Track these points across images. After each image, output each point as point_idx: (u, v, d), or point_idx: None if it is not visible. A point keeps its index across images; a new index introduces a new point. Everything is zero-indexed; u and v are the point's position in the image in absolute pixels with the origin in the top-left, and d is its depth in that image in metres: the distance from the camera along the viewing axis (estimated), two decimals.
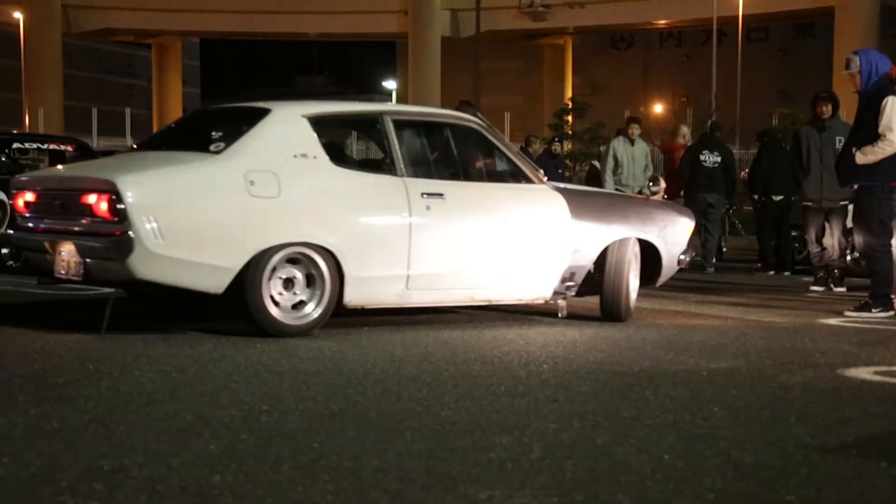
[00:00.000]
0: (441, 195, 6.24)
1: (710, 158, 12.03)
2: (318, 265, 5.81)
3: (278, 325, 5.74)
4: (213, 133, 6.41)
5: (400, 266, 6.08)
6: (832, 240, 9.55)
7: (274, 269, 5.71)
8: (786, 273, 11.71)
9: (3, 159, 10.74)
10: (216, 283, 5.62)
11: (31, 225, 6.16)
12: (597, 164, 15.67)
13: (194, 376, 4.50)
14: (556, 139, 17.32)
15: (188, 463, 3.09)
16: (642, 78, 54.09)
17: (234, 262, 5.59)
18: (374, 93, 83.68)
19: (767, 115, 26.64)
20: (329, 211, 5.90)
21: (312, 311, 5.84)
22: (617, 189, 11.44)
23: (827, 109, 9.56)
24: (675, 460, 3.25)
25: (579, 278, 6.80)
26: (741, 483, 3.03)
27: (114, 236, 5.42)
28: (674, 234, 7.25)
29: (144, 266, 5.44)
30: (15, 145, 11.35)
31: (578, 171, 24.55)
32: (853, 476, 3.14)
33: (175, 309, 6.72)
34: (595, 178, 14.07)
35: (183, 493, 2.80)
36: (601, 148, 16.16)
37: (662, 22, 48.33)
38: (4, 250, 8.74)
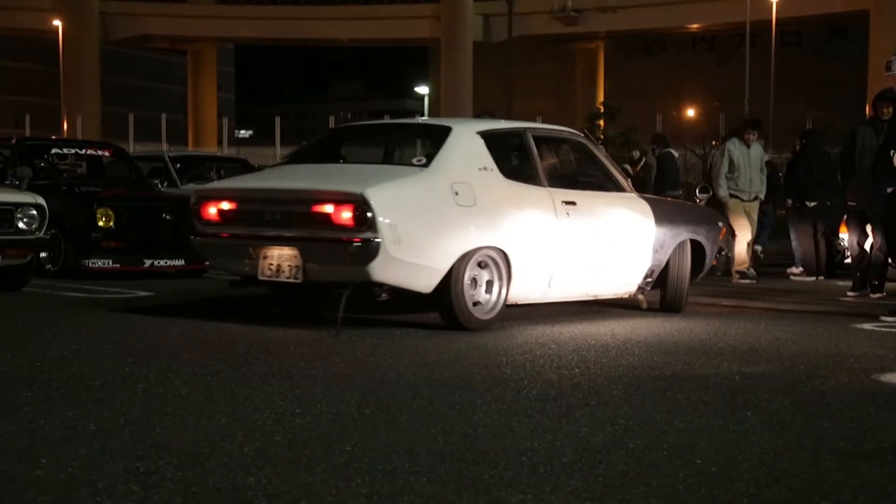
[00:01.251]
0: (574, 203, 7.04)
1: None
2: (498, 266, 6.54)
3: (473, 321, 6.40)
4: (398, 147, 7.49)
5: (547, 266, 6.86)
6: (876, 244, 9.38)
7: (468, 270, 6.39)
8: (820, 277, 11.61)
9: (43, 165, 10.88)
10: (428, 282, 6.25)
11: (225, 231, 6.61)
12: (628, 168, 15.56)
13: (228, 379, 4.54)
14: (600, 143, 17.28)
15: (222, 465, 3.12)
16: (675, 82, 53.81)
17: (445, 264, 6.25)
18: (407, 98, 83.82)
19: (802, 119, 26.43)
20: (506, 217, 6.61)
21: (493, 306, 6.57)
22: (732, 195, 10.99)
23: (888, 111, 9.21)
24: (707, 465, 3.24)
25: (656, 275, 7.67)
26: (774, 488, 3.02)
27: (356, 243, 5.94)
28: (714, 235, 8.17)
29: (383, 269, 6.04)
30: (53, 151, 11.49)
31: None
32: (889, 482, 3.11)
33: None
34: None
35: (217, 494, 2.83)
36: (633, 152, 16.02)
37: (695, 26, 48.15)
38: (43, 254, 8.87)
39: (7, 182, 9.87)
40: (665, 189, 12.74)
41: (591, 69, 52.34)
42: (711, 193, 11.33)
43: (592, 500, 2.86)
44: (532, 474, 3.09)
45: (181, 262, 10.04)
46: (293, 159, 7.57)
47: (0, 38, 65.46)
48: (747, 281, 10.95)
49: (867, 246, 9.46)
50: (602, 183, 7.59)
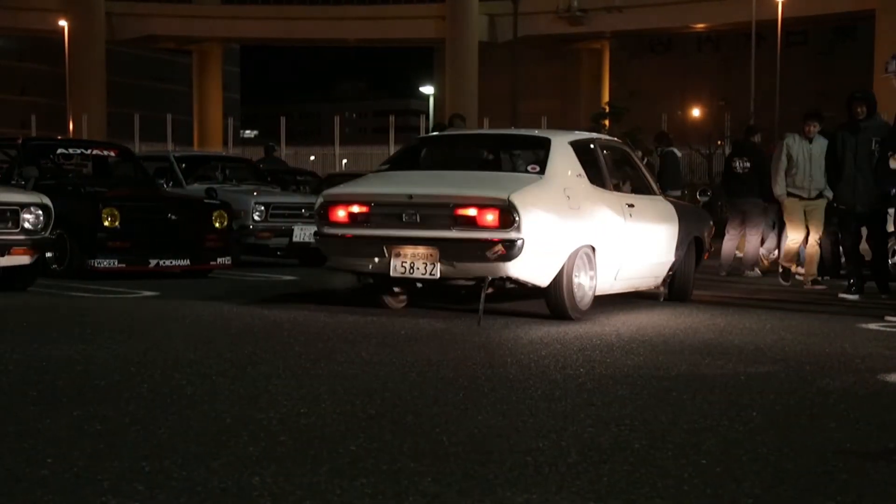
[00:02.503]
0: (633, 205, 7.87)
1: (741, 164, 11.97)
2: (591, 261, 7.29)
3: (576, 311, 7.13)
4: (504, 156, 8.23)
5: (616, 261, 7.59)
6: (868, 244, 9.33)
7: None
8: (826, 277, 11.58)
9: (48, 165, 10.90)
10: (548, 276, 6.95)
11: (353, 232, 7.12)
12: None
13: (233, 379, 4.55)
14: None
15: (227, 464, 3.12)
16: (680, 82, 53.73)
17: (561, 260, 6.96)
18: (412, 97, 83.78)
19: None
20: (595, 218, 7.36)
21: (588, 298, 7.31)
22: (789, 192, 10.44)
23: (862, 110, 9.05)
24: (712, 465, 3.24)
25: (673, 269, 8.49)
26: (780, 488, 3.01)
27: (500, 242, 6.61)
28: (709, 233, 9.24)
29: (519, 266, 6.71)
30: (59, 151, 11.50)
31: None
32: (894, 482, 3.11)
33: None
34: None
35: (223, 494, 2.84)
36: (636, 153, 15.89)
37: (700, 26, 48.08)
38: (49, 254, 8.89)
39: (13, 182, 9.88)
40: (665, 188, 12.68)
41: (596, 69, 52.29)
42: (710, 196, 11.33)
43: (597, 500, 2.86)
44: (537, 474, 3.09)
45: (187, 262, 10.06)
46: (396, 165, 8.12)
47: (6, 39, 65.64)
48: (821, 287, 10.36)
49: (862, 246, 9.41)
50: (640, 186, 8.41)
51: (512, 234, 6.63)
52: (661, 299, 8.58)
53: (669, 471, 3.16)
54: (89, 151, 11.71)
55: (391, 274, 6.94)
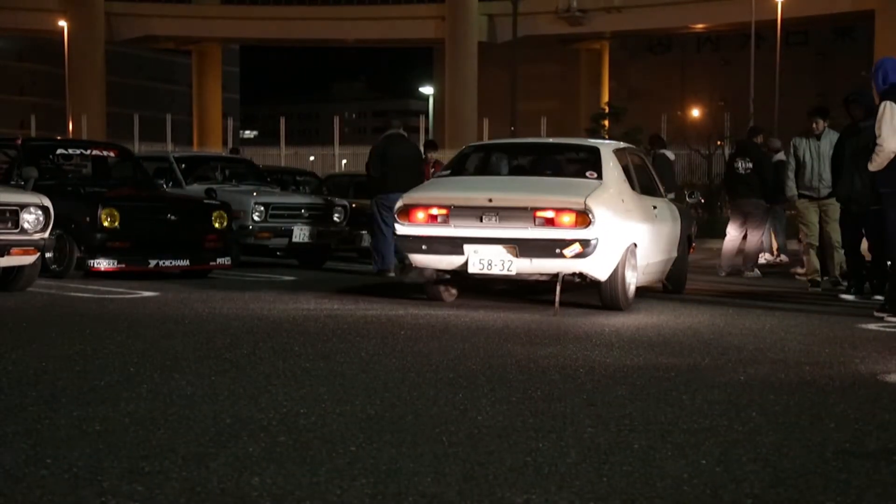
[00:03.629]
0: (656, 207, 8.71)
1: (743, 165, 11.98)
2: (635, 257, 7.99)
3: (626, 302, 7.85)
4: (555, 164, 9.05)
5: (644, 257, 8.28)
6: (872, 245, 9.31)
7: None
8: (825, 277, 11.57)
9: (48, 165, 10.89)
10: (608, 271, 7.61)
11: (435, 232, 7.69)
12: None
13: (233, 379, 4.55)
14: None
15: (227, 465, 3.12)
16: (679, 82, 53.81)
17: (618, 257, 7.64)
18: (411, 98, 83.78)
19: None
20: (637, 218, 8.09)
21: (631, 290, 7.98)
22: (801, 193, 10.32)
23: (858, 112, 9.09)
24: (712, 465, 3.24)
25: (674, 264, 9.31)
26: (779, 489, 3.01)
27: (577, 241, 7.33)
28: (695, 229, 10.30)
29: (590, 262, 7.43)
30: (59, 151, 11.49)
31: None
32: (893, 482, 3.11)
33: None
34: None
35: (222, 494, 2.84)
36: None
37: (700, 26, 48.11)
38: (48, 255, 8.88)
39: (12, 182, 9.88)
40: None
41: (595, 69, 52.33)
42: (698, 199, 11.45)
43: (597, 500, 2.86)
44: (537, 474, 3.09)
45: (186, 263, 10.05)
46: (456, 171, 8.76)
47: (6, 39, 65.67)
48: (816, 290, 10.20)
49: (862, 247, 9.40)
50: (651, 189, 9.10)
51: (588, 234, 7.35)
52: (665, 290, 9.42)
53: (669, 471, 3.16)
54: (89, 152, 11.69)
55: (469, 270, 7.57)
